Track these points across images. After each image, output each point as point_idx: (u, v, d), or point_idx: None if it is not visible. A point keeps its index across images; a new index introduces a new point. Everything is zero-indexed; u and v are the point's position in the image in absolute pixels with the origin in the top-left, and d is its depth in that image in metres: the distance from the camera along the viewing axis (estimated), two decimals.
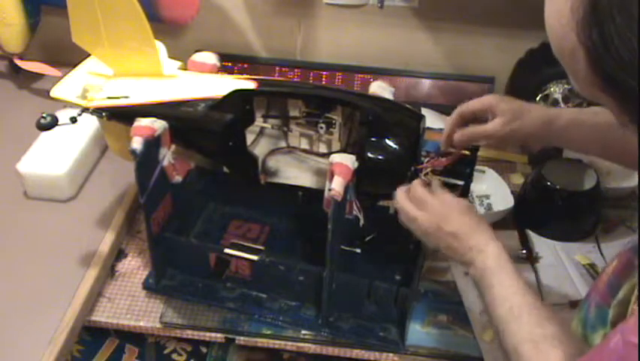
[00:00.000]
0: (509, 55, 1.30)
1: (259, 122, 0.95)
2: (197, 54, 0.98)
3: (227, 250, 0.96)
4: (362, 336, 0.95)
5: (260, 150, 0.97)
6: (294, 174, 0.96)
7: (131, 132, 0.86)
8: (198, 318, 0.98)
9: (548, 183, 1.09)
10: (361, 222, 0.88)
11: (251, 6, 1.40)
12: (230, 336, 0.97)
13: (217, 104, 0.88)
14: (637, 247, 0.66)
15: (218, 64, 0.98)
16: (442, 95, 1.40)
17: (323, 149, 0.95)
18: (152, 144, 0.87)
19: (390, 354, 0.94)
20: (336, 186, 0.80)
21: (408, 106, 0.89)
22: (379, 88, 0.94)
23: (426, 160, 0.86)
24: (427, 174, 0.86)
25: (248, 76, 0.92)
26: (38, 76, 1.38)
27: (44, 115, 0.89)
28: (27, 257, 1.02)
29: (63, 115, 0.90)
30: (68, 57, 1.00)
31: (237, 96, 0.88)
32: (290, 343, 0.97)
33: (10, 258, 1.01)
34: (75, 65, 0.98)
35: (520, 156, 1.30)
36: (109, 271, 1.05)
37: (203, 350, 1.13)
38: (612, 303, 0.65)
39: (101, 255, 1.03)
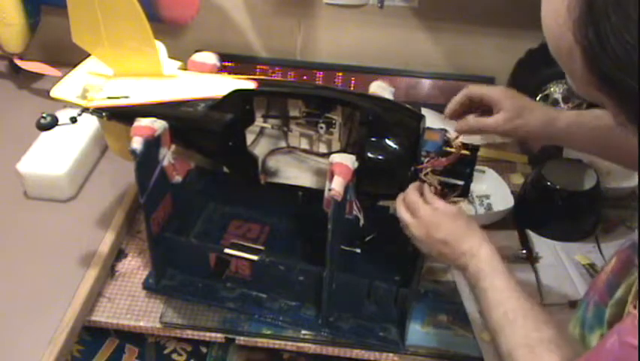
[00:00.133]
0: (509, 55, 1.30)
1: (259, 122, 0.95)
2: (197, 54, 0.98)
3: (227, 250, 0.96)
4: (362, 336, 0.95)
5: (260, 150, 0.97)
6: (294, 174, 0.96)
7: (131, 132, 0.86)
8: (198, 318, 0.98)
9: (548, 183, 1.09)
10: (361, 222, 0.88)
11: (251, 6, 1.40)
12: (230, 336, 0.97)
13: (217, 104, 0.88)
14: (635, 244, 0.66)
15: (218, 64, 0.98)
16: (442, 95, 1.40)
17: (323, 149, 0.95)
18: (152, 144, 0.87)
19: (390, 354, 0.94)
20: (336, 186, 0.80)
21: (408, 106, 0.89)
22: (379, 88, 0.94)
23: (426, 160, 0.86)
24: (427, 174, 0.86)
25: (248, 76, 0.92)
26: (38, 76, 1.38)
27: (44, 115, 0.89)
28: (27, 257, 1.02)
29: (63, 115, 0.90)
30: (68, 57, 1.00)
31: (237, 96, 0.88)
32: (290, 343, 0.97)
33: (10, 258, 1.01)
34: (75, 65, 0.98)
35: (520, 156, 1.30)
36: (109, 271, 1.05)
37: (203, 350, 1.13)
38: (609, 302, 0.65)
39: (101, 255, 1.03)
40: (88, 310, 0.98)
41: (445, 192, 0.89)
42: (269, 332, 0.97)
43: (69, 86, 0.94)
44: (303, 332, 0.97)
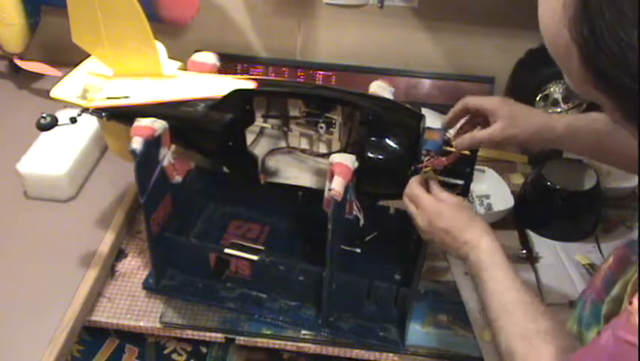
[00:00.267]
0: (509, 55, 1.30)
1: (259, 122, 0.95)
2: (197, 54, 0.98)
3: (227, 250, 0.96)
4: (362, 336, 0.95)
5: (260, 150, 0.97)
6: (294, 174, 0.96)
7: (131, 132, 0.86)
8: (198, 318, 0.99)
9: (548, 183, 1.09)
10: (361, 222, 0.88)
11: (251, 6, 1.40)
12: (230, 336, 0.97)
13: (217, 104, 0.88)
14: (632, 242, 0.66)
15: (218, 64, 0.98)
16: (441, 95, 1.40)
17: (323, 149, 0.95)
18: (152, 144, 0.87)
19: (390, 354, 0.94)
20: (336, 186, 0.80)
21: (408, 106, 0.89)
22: (379, 88, 0.94)
23: (426, 160, 0.86)
24: (426, 173, 0.86)
25: (248, 76, 0.92)
26: (38, 76, 1.39)
27: (44, 115, 0.89)
28: (27, 257, 1.02)
29: (63, 115, 0.90)
30: (68, 57, 1.00)
31: (237, 96, 0.88)
32: (290, 343, 0.97)
33: (10, 258, 1.01)
34: (75, 65, 0.98)
35: (520, 156, 1.30)
36: (109, 271, 1.05)
37: (203, 350, 1.13)
38: (606, 299, 0.66)
39: (101, 255, 1.03)
40: (88, 310, 0.98)
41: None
42: (269, 332, 0.97)
43: (69, 87, 0.94)
44: (303, 332, 0.97)
